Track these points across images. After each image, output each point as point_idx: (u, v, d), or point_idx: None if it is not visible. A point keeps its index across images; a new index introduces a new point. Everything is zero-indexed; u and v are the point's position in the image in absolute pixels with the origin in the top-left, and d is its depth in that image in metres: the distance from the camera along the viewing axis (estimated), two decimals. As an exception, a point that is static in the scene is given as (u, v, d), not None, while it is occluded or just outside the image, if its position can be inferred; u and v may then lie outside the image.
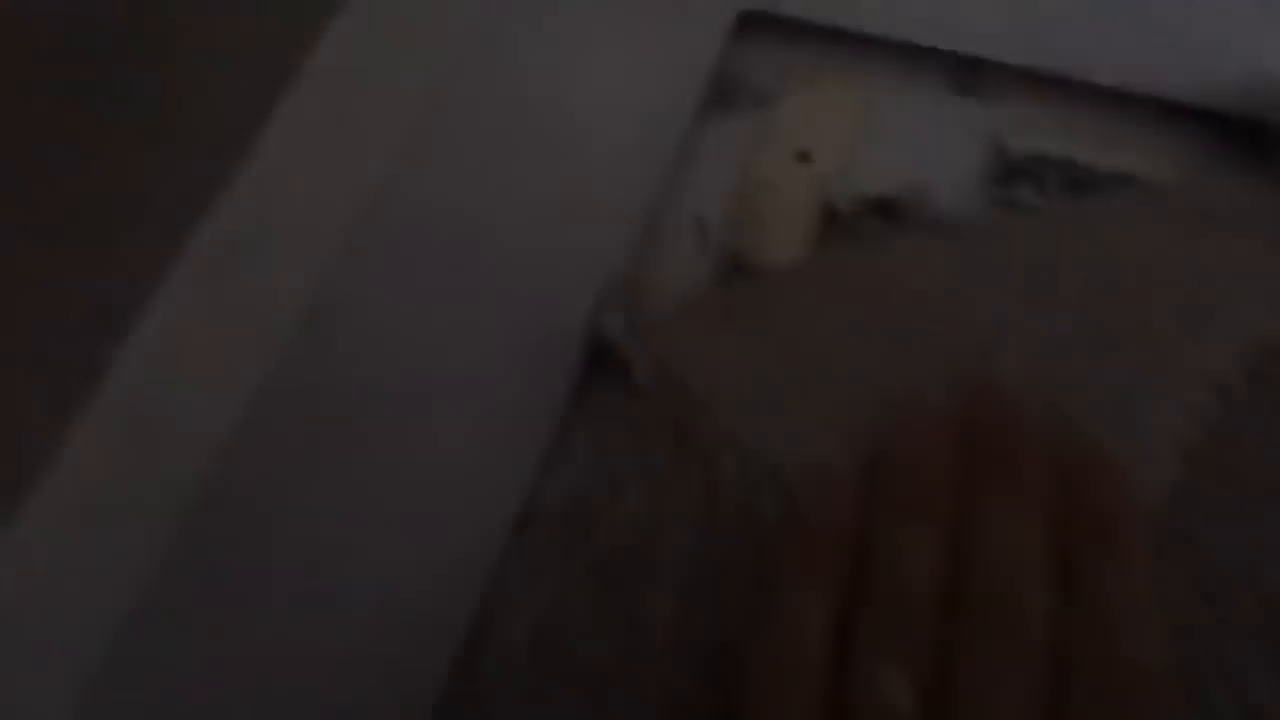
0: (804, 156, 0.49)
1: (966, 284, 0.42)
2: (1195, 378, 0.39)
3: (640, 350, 0.41)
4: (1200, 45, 0.45)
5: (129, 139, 0.30)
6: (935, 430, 0.37)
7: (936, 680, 0.31)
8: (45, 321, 0.26)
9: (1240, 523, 0.37)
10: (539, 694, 0.38)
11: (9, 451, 0.24)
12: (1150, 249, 0.42)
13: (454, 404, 0.37)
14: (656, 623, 0.38)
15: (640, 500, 0.41)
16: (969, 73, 0.50)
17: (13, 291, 0.26)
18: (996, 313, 0.41)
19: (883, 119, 0.50)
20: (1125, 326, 0.40)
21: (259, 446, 0.28)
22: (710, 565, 0.40)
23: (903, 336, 0.41)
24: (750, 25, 0.52)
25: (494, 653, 0.39)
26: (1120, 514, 0.34)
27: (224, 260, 0.28)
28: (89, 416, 0.26)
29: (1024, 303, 0.41)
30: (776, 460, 0.39)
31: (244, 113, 0.28)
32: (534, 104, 0.38)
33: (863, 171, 0.48)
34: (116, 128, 0.30)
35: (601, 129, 0.43)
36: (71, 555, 0.25)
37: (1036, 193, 0.47)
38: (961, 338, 0.40)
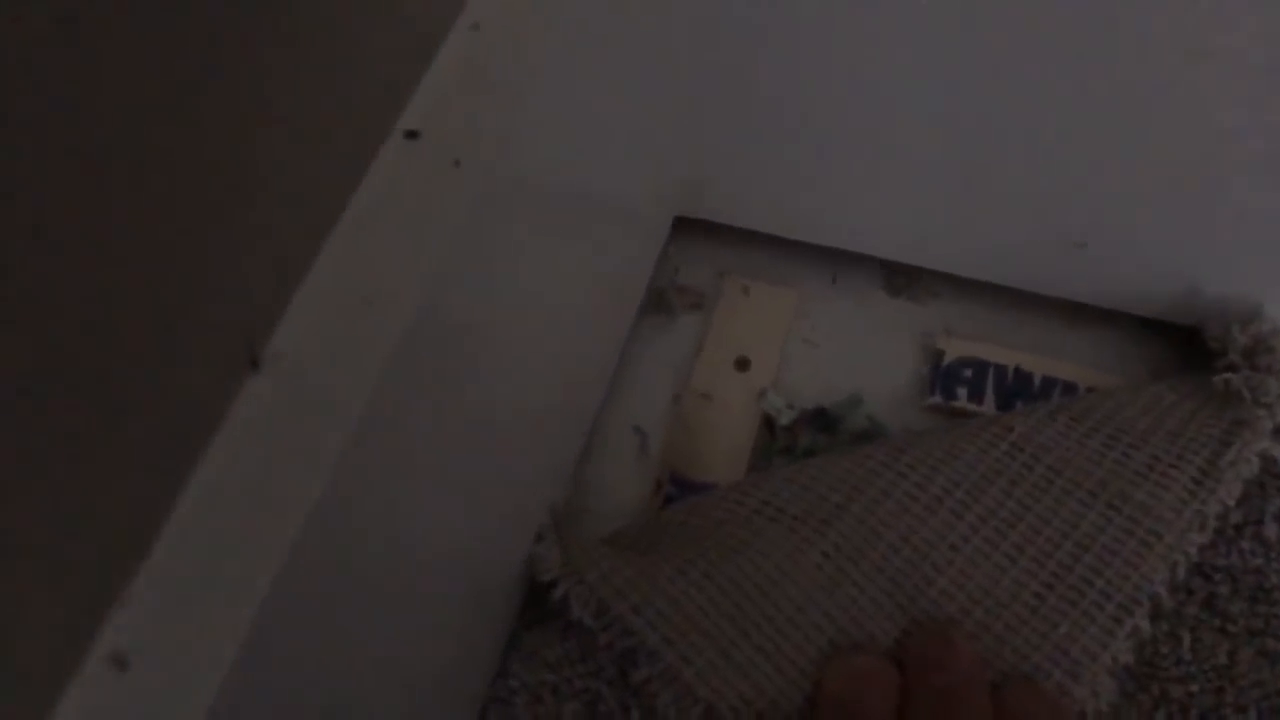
0: (742, 364, 0.49)
1: (906, 508, 0.42)
2: (1128, 598, 0.39)
3: (577, 585, 0.41)
4: (1129, 256, 0.45)
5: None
6: (875, 668, 0.38)
7: None
8: None
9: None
10: None
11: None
12: (1083, 467, 0.42)
13: (390, 644, 0.36)
14: None
15: (579, 742, 0.40)
16: (902, 275, 0.51)
17: None
18: (936, 539, 0.41)
19: (818, 322, 0.51)
20: (1054, 545, 0.40)
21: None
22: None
23: (842, 568, 0.41)
24: (685, 228, 0.52)
25: None
26: None
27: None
28: None
29: (961, 527, 0.41)
30: (715, 698, 0.39)
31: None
32: (475, 328, 0.38)
33: (799, 380, 0.49)
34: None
35: (544, 349, 0.43)
36: None
37: (973, 398, 0.47)
38: (901, 566, 0.40)
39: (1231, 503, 0.41)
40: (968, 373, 0.48)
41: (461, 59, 0.31)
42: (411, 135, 0.28)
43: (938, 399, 0.48)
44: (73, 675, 0.21)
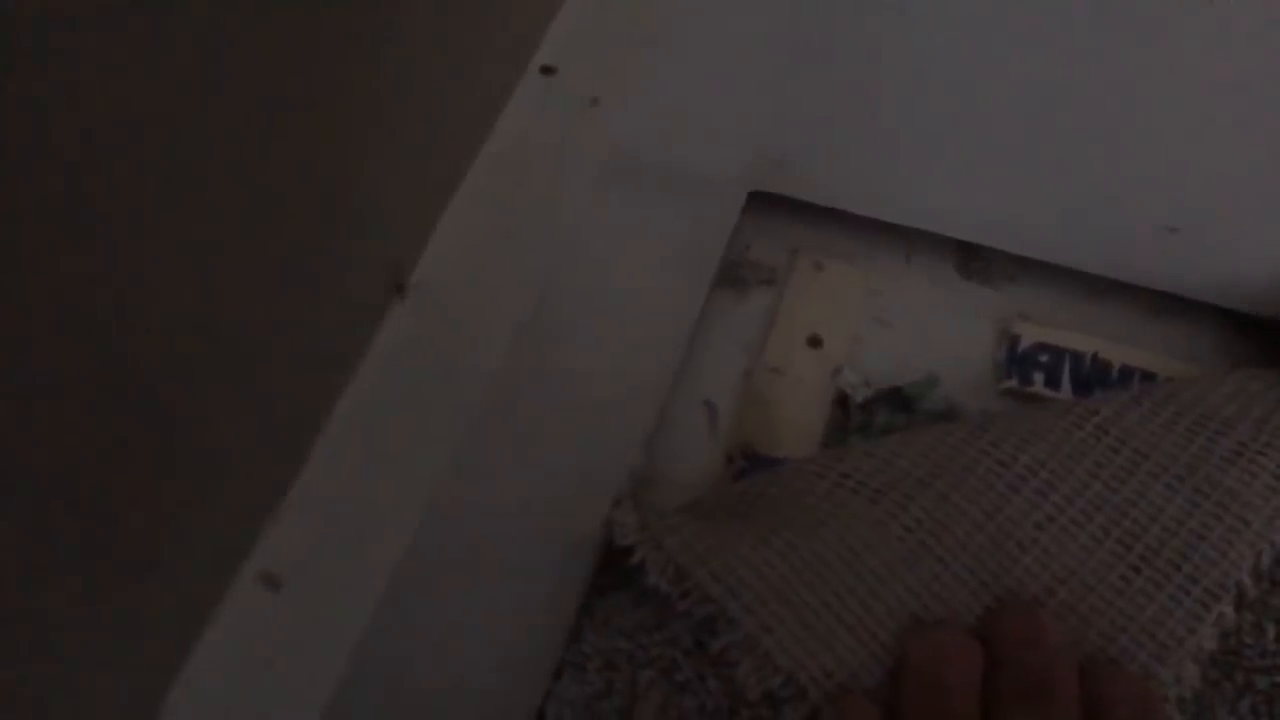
0: (815, 341, 0.49)
1: (989, 486, 0.41)
2: (1215, 584, 0.39)
3: (655, 551, 0.40)
4: (1221, 244, 0.45)
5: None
6: (961, 647, 0.37)
7: None
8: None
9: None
10: None
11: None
12: (1171, 452, 0.42)
13: (468, 607, 0.36)
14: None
15: (655, 710, 0.40)
16: (978, 257, 0.51)
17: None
18: (1019, 518, 0.40)
19: (891, 302, 0.50)
20: (1142, 528, 0.40)
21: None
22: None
23: (925, 544, 0.40)
24: (760, 202, 0.52)
25: None
26: None
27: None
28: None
29: (1046, 506, 0.41)
30: (795, 667, 0.38)
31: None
32: (552, 299, 0.38)
33: (872, 357, 0.48)
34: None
35: (619, 320, 0.42)
36: None
37: (1049, 384, 0.47)
38: (985, 544, 0.40)
39: (1319, 492, 0.41)
40: (1044, 358, 0.48)
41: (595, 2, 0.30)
42: (548, 71, 0.27)
43: (1013, 383, 0.47)
44: (225, 593, 0.21)
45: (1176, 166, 0.43)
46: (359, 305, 0.23)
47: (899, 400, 0.47)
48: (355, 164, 0.23)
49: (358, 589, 0.21)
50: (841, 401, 0.47)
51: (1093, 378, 0.47)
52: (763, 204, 0.52)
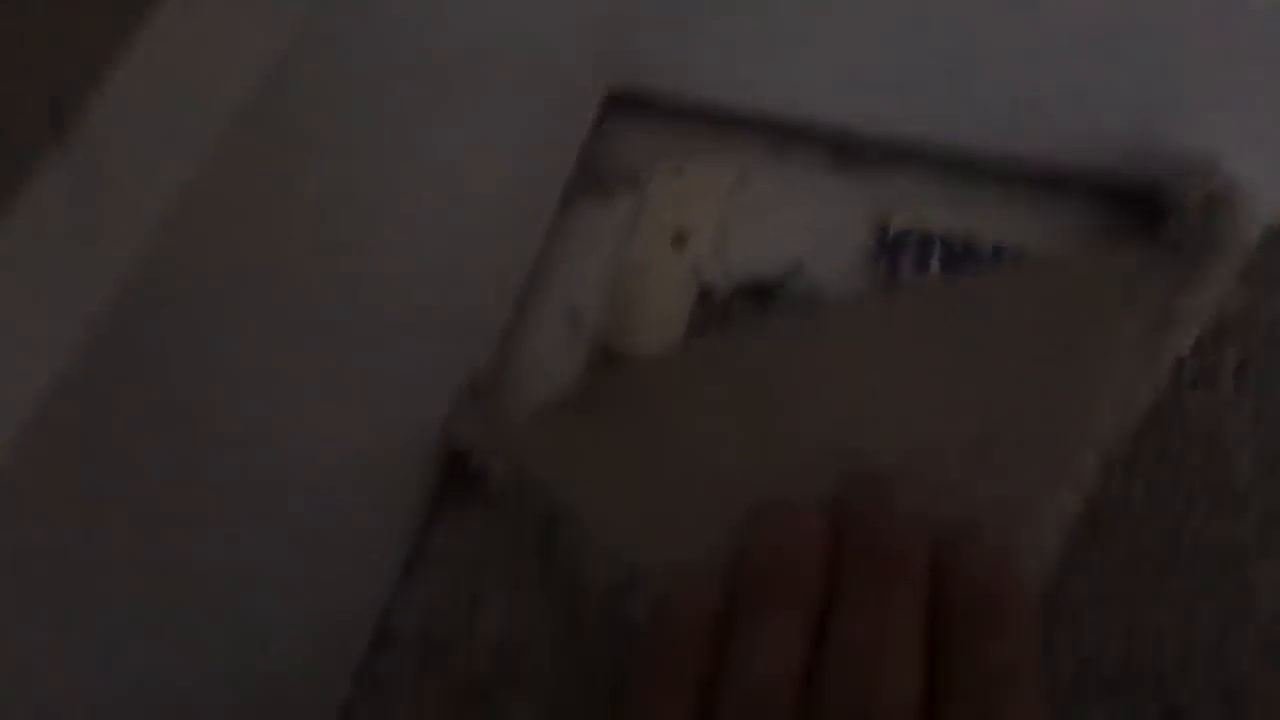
0: (679, 239, 0.47)
1: (840, 367, 0.40)
2: (1076, 444, 0.37)
3: (497, 455, 0.39)
4: (1087, 111, 0.43)
5: None
6: (803, 519, 0.35)
7: None
8: None
9: (1121, 599, 0.36)
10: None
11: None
12: (1029, 321, 0.40)
13: (299, 508, 0.34)
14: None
15: (501, 617, 0.38)
16: (847, 149, 0.49)
17: None
18: (870, 396, 0.39)
19: (759, 197, 0.48)
20: (1000, 395, 0.38)
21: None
22: (576, 678, 0.37)
23: (773, 426, 0.38)
24: (620, 107, 0.50)
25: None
26: (1002, 594, 0.32)
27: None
28: None
29: (899, 384, 0.39)
30: (642, 561, 0.37)
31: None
32: (389, 181, 0.36)
33: (739, 252, 0.47)
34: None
35: (462, 211, 0.40)
36: None
37: (918, 269, 0.45)
38: (834, 425, 0.38)
39: (1185, 353, 0.39)
40: (913, 243, 0.46)
41: None
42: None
43: (883, 271, 0.45)
44: None
45: (1028, 36, 0.41)
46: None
47: (761, 291, 0.45)
48: None
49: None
50: (705, 298, 0.46)
51: (964, 260, 0.45)
52: (625, 112, 0.50)
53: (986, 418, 0.38)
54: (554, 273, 0.47)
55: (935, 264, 0.45)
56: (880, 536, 0.34)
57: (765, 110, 0.48)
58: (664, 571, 0.36)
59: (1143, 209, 0.45)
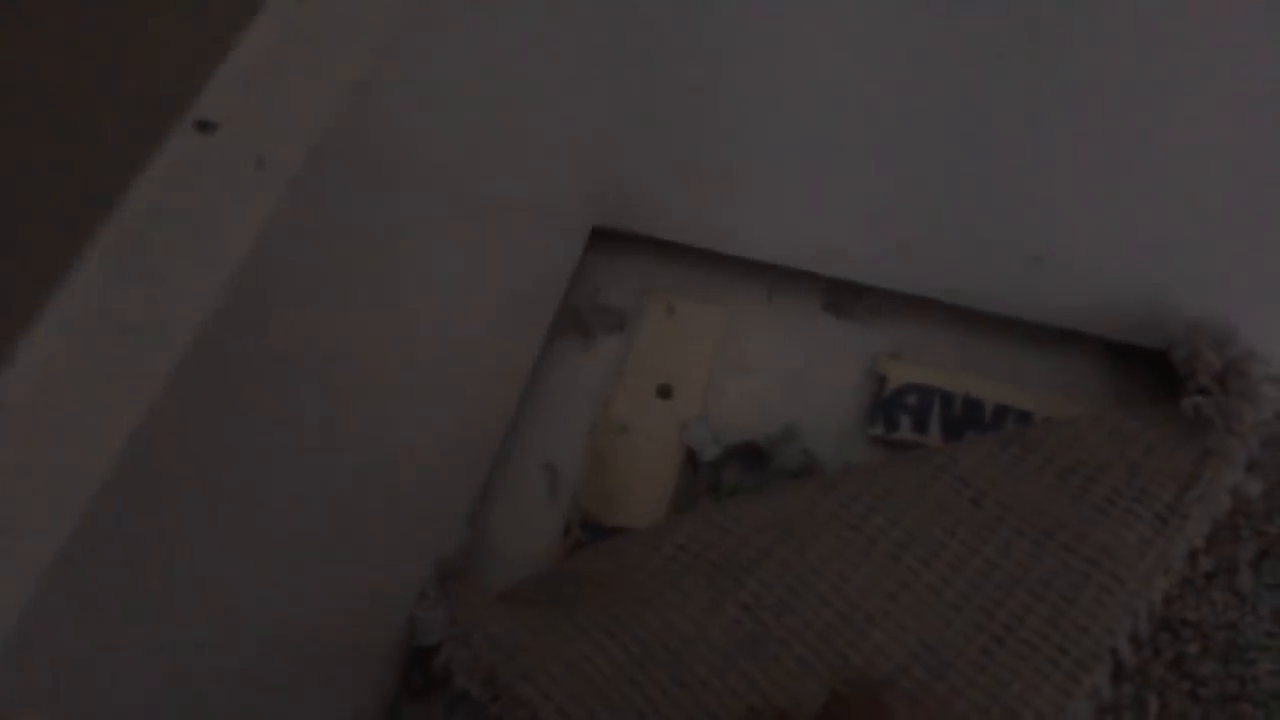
0: (665, 392, 0.44)
1: (833, 559, 0.37)
2: (1086, 654, 0.35)
3: (462, 649, 0.36)
4: (1100, 273, 0.41)
5: None
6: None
7: None
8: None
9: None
10: None
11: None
12: (1035, 509, 0.37)
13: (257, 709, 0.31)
14: None
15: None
16: (844, 293, 0.47)
17: None
18: (864, 592, 0.36)
19: (750, 348, 0.46)
20: (1005, 592, 0.36)
21: None
22: None
23: (761, 625, 0.36)
24: (606, 243, 0.48)
25: None
26: None
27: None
28: None
29: (896, 578, 0.36)
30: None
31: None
32: (355, 335, 0.33)
33: (729, 413, 0.44)
34: None
35: (439, 367, 0.38)
36: None
37: (917, 429, 0.43)
38: (826, 626, 0.36)
39: (1200, 543, 0.37)
40: (912, 400, 0.43)
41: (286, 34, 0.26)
42: (204, 127, 0.23)
43: (879, 430, 0.43)
44: None
45: (1036, 192, 0.39)
46: None
47: (753, 456, 0.43)
48: None
49: None
50: (693, 459, 0.43)
51: (964, 420, 0.43)
52: (612, 243, 0.48)
53: (993, 620, 0.35)
54: (532, 426, 0.44)
55: (935, 425, 0.43)
56: None
57: (756, 256, 0.46)
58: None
59: (1157, 371, 0.42)
